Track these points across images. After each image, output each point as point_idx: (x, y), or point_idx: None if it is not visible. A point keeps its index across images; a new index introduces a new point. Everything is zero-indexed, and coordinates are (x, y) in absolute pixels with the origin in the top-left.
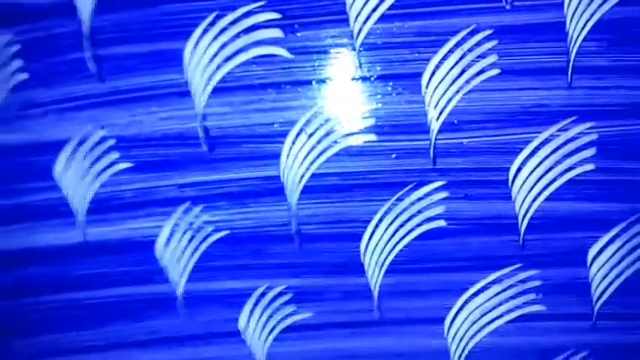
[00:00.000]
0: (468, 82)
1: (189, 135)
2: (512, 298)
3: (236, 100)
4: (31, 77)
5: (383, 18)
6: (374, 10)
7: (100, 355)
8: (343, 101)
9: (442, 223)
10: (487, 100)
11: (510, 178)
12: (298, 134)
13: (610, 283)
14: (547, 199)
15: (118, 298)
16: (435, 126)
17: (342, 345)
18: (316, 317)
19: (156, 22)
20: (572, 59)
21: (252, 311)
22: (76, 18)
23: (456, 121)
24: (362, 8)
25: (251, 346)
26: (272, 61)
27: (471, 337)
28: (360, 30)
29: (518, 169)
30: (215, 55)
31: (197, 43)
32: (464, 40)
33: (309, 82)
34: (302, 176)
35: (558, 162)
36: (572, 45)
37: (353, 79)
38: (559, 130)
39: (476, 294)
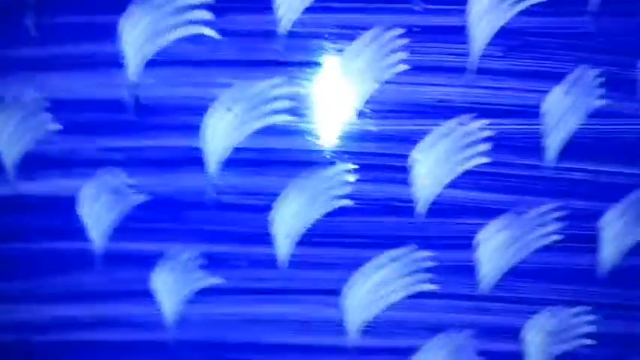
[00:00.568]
0: (380, 74)
1: (119, 103)
2: (407, 275)
3: (166, 73)
4: None
5: (308, 9)
6: (298, 1)
7: (16, 306)
8: (265, 83)
9: (349, 202)
10: (398, 93)
11: (412, 164)
12: (221, 109)
13: (496, 268)
14: (445, 187)
15: (40, 252)
16: (349, 112)
17: (248, 310)
18: (226, 282)
19: None
20: (474, 61)
21: (164, 273)
22: None
23: (368, 110)
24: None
25: (162, 306)
26: (202, 41)
27: (368, 310)
28: (283, 17)
29: (420, 157)
30: (148, 31)
31: (132, 18)
32: (379, 35)
33: (235, 63)
34: (222, 149)
35: (457, 153)
36: (474, 48)
37: (276, 63)
38: (459, 124)
39: (375, 270)
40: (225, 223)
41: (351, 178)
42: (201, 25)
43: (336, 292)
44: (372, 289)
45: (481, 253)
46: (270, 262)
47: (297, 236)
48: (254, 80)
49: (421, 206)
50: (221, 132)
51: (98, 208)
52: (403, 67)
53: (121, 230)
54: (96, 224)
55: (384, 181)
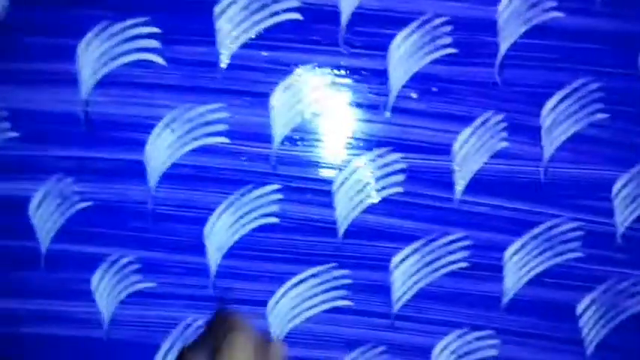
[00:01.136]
0: (306, 107)
1: (72, 117)
2: (327, 291)
3: (116, 93)
4: None
5: (245, 46)
6: (237, 37)
7: None
8: (205, 107)
9: (275, 219)
10: (322, 125)
11: (334, 189)
12: (164, 128)
13: (409, 289)
14: (362, 212)
15: None
16: (278, 139)
17: (178, 315)
18: (159, 287)
19: (59, 20)
20: (390, 101)
21: (103, 275)
22: None
23: (297, 137)
24: (227, 35)
25: (100, 306)
26: (149, 66)
27: (289, 322)
28: (224, 52)
29: (341, 183)
30: (103, 54)
31: (90, 42)
32: (307, 73)
33: (178, 88)
34: (162, 164)
35: (373, 182)
36: (392, 89)
37: (215, 90)
38: (377, 157)
39: (296, 284)
40: (162, 233)
41: (278, 197)
42: (150, 52)
43: (260, 303)
44: (294, 302)
45: (395, 275)
46: (202, 271)
47: (227, 248)
48: (194, 104)
49: (340, 228)
50: (162, 149)
51: (46, 211)
52: (329, 102)
53: (66, 233)
54: (43, 226)
55: (307, 203)
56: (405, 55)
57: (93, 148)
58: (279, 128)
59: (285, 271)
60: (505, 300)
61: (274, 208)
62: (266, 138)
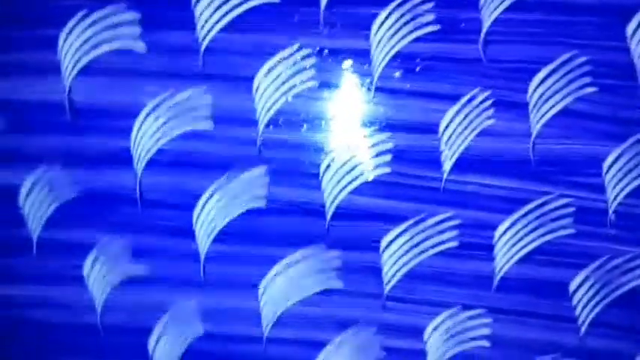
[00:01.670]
0: (290, 89)
1: (58, 105)
2: (317, 273)
3: (99, 81)
4: None
5: (224, 29)
6: (217, 22)
7: None
8: (188, 92)
9: (262, 203)
10: (307, 107)
11: (321, 172)
12: (148, 115)
13: (399, 270)
14: (350, 193)
15: None
16: (263, 121)
17: (169, 299)
18: (149, 272)
19: (40, 10)
20: (374, 81)
21: (94, 261)
22: None
23: (280, 120)
24: (207, 20)
25: (92, 292)
26: (131, 53)
27: (281, 304)
28: (204, 37)
29: (328, 166)
30: (84, 42)
31: (70, 31)
32: (290, 55)
33: (160, 74)
34: (148, 150)
35: (360, 163)
36: (375, 69)
37: (197, 75)
38: (363, 137)
39: (287, 266)
40: (152, 218)
41: (265, 181)
42: (131, 39)
43: (251, 286)
44: (285, 284)
45: (385, 256)
46: (192, 256)
47: (216, 233)
48: (177, 90)
49: (329, 210)
50: (147, 135)
51: (36, 199)
52: (312, 83)
53: (56, 220)
54: (34, 214)
55: (295, 186)
56: (388, 34)
57: (78, 135)
58: (264, 112)
59: (275, 254)
60: (496, 279)
61: (262, 191)
62: (251, 122)
